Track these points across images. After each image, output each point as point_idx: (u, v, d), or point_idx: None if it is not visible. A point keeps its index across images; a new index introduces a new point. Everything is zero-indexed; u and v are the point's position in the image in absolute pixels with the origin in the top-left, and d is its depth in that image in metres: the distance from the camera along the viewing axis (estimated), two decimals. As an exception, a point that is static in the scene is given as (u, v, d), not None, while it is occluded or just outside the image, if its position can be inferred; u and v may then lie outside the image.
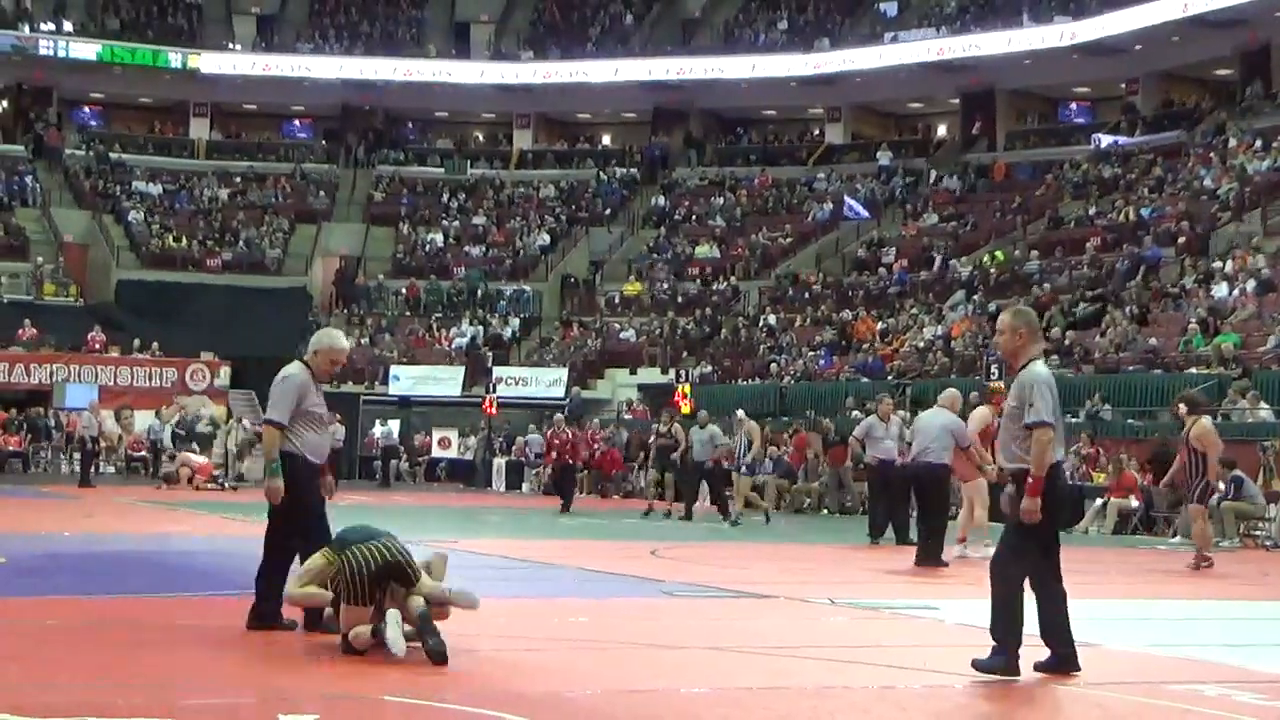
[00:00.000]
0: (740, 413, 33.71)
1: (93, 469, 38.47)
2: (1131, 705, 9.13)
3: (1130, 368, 36.22)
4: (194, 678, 9.10)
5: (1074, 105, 62.41)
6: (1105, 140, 54.99)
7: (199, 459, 39.88)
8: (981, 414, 20.92)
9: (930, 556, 19.47)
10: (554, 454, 34.96)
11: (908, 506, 22.59)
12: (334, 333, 12.06)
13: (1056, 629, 9.92)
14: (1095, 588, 17.77)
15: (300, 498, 11.30)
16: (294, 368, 11.45)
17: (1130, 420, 33.91)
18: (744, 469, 31.19)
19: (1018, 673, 9.70)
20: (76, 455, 40.98)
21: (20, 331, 50.72)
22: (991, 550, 20.42)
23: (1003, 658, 9.74)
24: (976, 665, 9.78)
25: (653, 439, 34.50)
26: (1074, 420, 34.29)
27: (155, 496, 33.58)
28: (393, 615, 9.89)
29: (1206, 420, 20.92)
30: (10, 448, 46.84)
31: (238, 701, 8.34)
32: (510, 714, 7.97)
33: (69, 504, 29.95)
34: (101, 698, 8.13)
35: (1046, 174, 55.27)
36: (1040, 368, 10.33)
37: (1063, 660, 9.89)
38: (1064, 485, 10.45)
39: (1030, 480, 9.85)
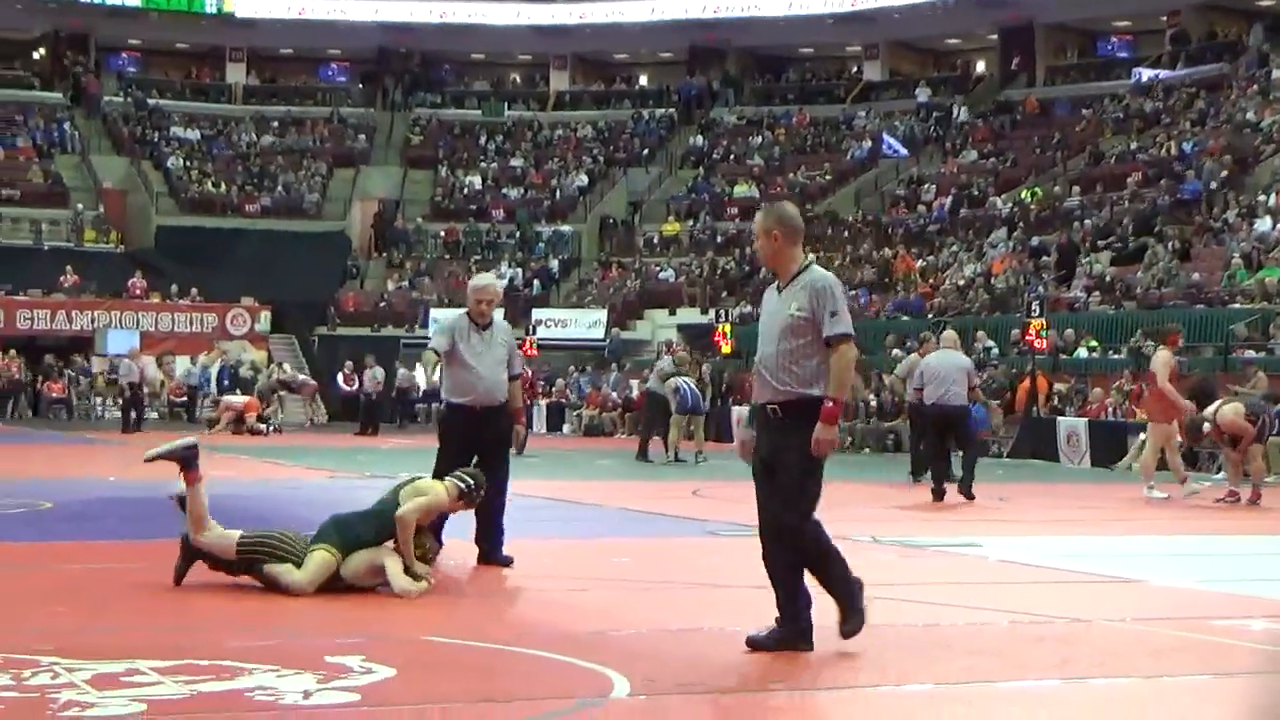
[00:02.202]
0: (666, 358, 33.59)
1: (135, 415, 38.48)
2: (1177, 640, 9.10)
3: (1173, 303, 36.01)
4: (240, 619, 9.14)
5: (1114, 39, 61.89)
6: (1146, 74, 54.54)
7: (241, 399, 39.90)
8: (1164, 356, 21.06)
9: (967, 489, 20.08)
10: None
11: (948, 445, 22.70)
12: (479, 276, 12.76)
13: (792, 597, 8.34)
14: (1139, 523, 17.74)
15: (440, 434, 12.21)
16: (453, 313, 12.62)
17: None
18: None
19: (811, 646, 8.23)
20: (119, 401, 41.07)
21: (62, 278, 50.95)
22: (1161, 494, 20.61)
23: (857, 618, 8.37)
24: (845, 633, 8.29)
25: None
26: (1116, 356, 34.19)
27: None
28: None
29: (1229, 407, 20.81)
30: (53, 394, 47.10)
31: (284, 642, 8.38)
32: (555, 653, 7.98)
33: (112, 450, 30.09)
34: (149, 640, 8.18)
35: (1086, 109, 54.88)
36: (824, 270, 8.60)
37: (794, 635, 8.25)
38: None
39: (830, 404, 8.21)
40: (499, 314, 12.50)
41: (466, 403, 11.96)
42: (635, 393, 42.31)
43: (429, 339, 41.26)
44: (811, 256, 8.65)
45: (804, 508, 8.29)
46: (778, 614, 8.30)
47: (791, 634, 8.19)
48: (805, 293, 8.34)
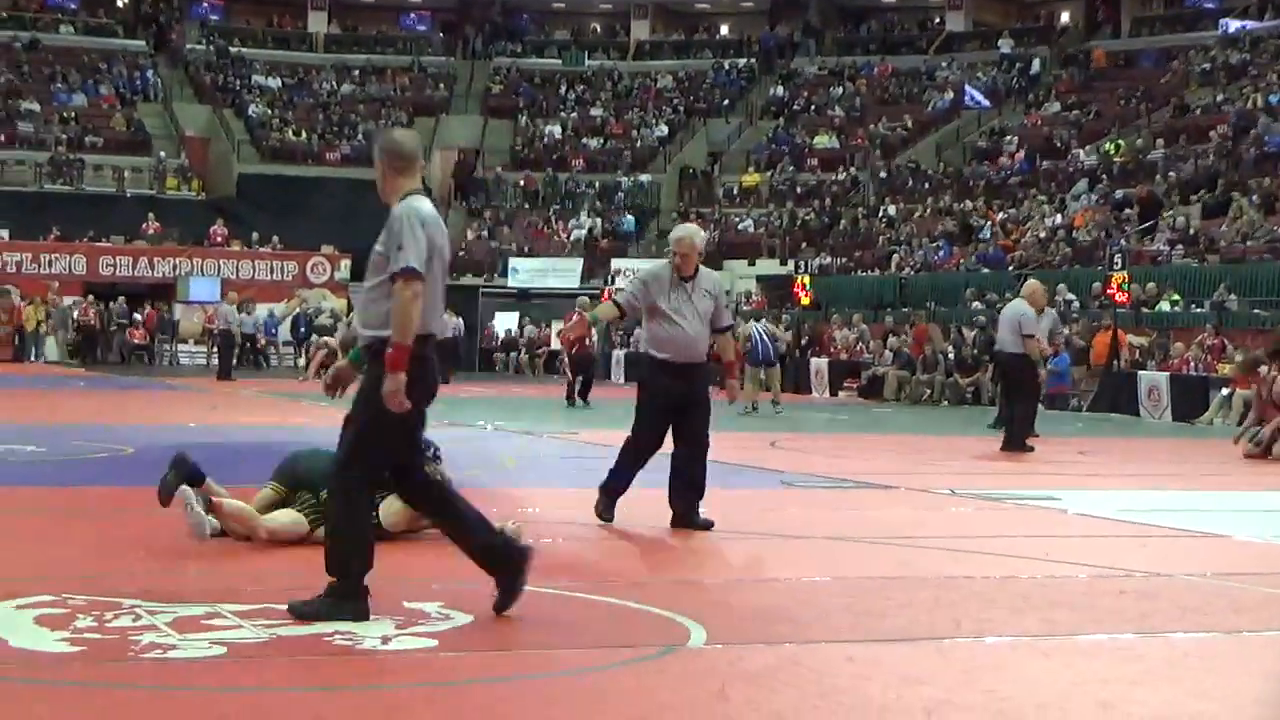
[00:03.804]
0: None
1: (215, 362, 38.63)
2: (1259, 595, 9.02)
3: (1256, 257, 35.66)
4: (320, 566, 9.18)
5: (1201, -11, 61.20)
6: (1234, 25, 53.91)
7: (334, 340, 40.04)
8: None
9: (1014, 442, 20.00)
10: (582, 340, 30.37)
11: (1037, 398, 22.83)
12: (679, 226, 12.17)
13: (341, 560, 7.49)
14: (1221, 479, 17.61)
15: (640, 389, 11.71)
16: (655, 263, 11.88)
17: (1256, 310, 33.41)
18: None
19: (364, 614, 7.32)
20: (187, 348, 41.27)
21: (144, 226, 51.35)
22: None
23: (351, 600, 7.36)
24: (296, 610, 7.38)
25: None
26: (1198, 310, 33.90)
27: (280, 389, 33.87)
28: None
29: None
30: (135, 341, 47.52)
31: (362, 588, 8.41)
32: (632, 601, 7.99)
33: (193, 396, 30.31)
34: (229, 584, 8.24)
35: (1172, 60, 54.32)
36: (420, 203, 7.61)
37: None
38: (432, 369, 7.56)
39: (391, 348, 7.24)
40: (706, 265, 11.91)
41: (667, 358, 11.33)
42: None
43: (507, 288, 41.07)
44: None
45: (365, 460, 7.45)
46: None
47: (336, 596, 7.35)
48: (387, 227, 7.64)
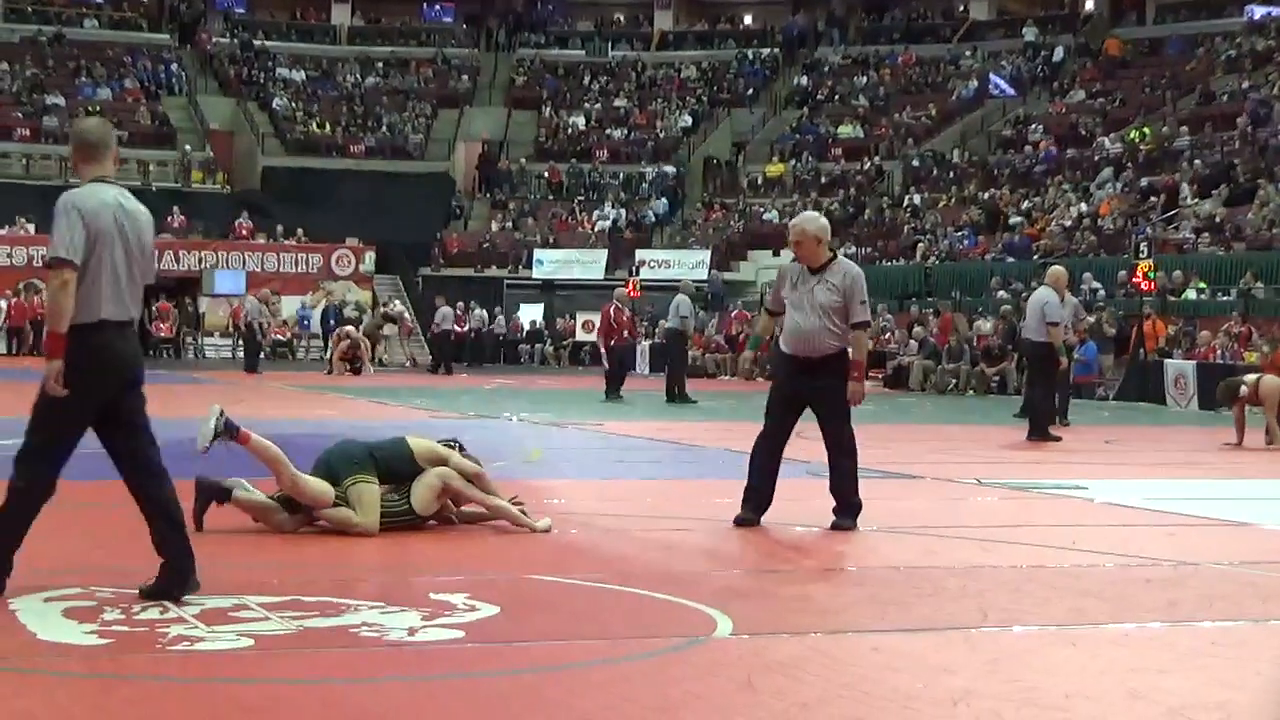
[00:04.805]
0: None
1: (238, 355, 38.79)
2: (1287, 584, 9.01)
3: (1283, 245, 35.59)
4: (345, 558, 9.22)
5: (1227, -25, 60.93)
6: (1259, 11, 53.71)
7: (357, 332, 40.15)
8: None
9: (1039, 431, 20.06)
10: (621, 332, 30.78)
11: (1066, 388, 22.87)
12: (799, 215, 11.88)
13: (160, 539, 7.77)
14: (1247, 467, 17.56)
15: (771, 385, 11.48)
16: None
17: (1283, 298, 33.36)
18: None
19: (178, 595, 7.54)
20: (213, 341, 41.32)
21: (169, 219, 51.44)
22: None
23: None
24: None
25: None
26: (1225, 298, 33.80)
27: (306, 381, 33.93)
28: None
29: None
30: (161, 334, 47.63)
31: (389, 580, 8.45)
32: (658, 593, 7.99)
33: (219, 390, 30.35)
34: (256, 576, 8.27)
35: (1198, 48, 54.14)
36: (91, 190, 7.47)
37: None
38: (111, 356, 7.47)
39: (46, 336, 7.37)
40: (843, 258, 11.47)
41: (788, 351, 11.08)
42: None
43: (532, 279, 41.16)
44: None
45: (31, 445, 7.58)
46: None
47: (166, 578, 7.63)
48: None
